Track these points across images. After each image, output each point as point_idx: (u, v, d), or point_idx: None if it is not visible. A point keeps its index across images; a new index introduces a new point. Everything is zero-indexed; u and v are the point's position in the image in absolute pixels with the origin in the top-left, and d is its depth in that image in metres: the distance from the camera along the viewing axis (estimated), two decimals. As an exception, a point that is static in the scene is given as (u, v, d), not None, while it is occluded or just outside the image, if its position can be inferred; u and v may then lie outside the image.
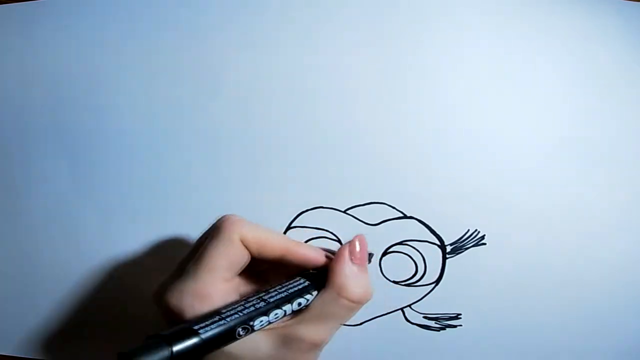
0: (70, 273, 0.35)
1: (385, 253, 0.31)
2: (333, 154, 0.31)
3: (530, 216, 0.30)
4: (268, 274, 0.27)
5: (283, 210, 0.32)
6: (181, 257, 0.27)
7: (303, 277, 0.25)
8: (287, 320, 0.24)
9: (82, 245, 0.34)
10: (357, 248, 0.25)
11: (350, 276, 0.24)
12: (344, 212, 0.32)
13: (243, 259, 0.25)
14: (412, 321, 0.32)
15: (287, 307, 0.23)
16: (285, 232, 0.32)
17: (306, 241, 0.32)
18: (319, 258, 0.26)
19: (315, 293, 0.24)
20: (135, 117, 0.33)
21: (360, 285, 0.25)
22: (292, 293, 0.24)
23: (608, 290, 0.30)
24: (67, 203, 0.34)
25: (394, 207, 0.31)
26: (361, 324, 0.32)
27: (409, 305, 0.32)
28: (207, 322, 0.21)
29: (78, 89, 0.34)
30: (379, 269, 0.32)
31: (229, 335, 0.21)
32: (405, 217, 0.31)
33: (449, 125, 0.31)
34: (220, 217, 0.26)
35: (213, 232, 0.25)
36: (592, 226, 0.30)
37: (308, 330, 0.23)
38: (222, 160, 0.32)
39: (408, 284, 0.31)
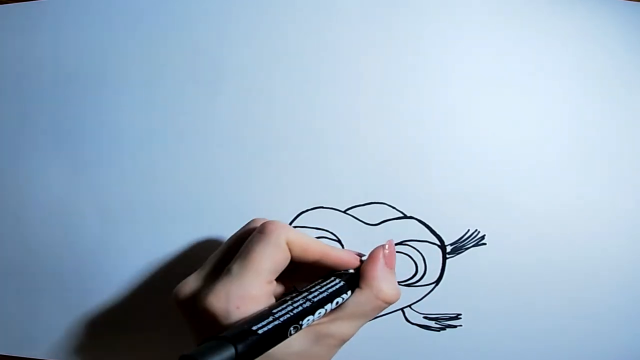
0: (70, 273, 0.35)
1: (385, 253, 0.31)
2: (333, 154, 0.31)
3: (530, 216, 0.30)
4: (290, 275, 0.28)
5: (283, 210, 0.32)
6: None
7: (337, 277, 0.26)
8: (323, 317, 0.25)
9: (82, 245, 0.34)
10: (391, 252, 0.27)
11: (385, 278, 0.26)
12: (344, 212, 0.32)
13: (286, 262, 0.25)
14: (412, 321, 0.32)
15: (328, 306, 0.24)
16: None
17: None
18: (354, 261, 0.27)
19: (349, 293, 0.26)
20: (136, 117, 0.33)
21: (393, 287, 0.26)
22: (331, 293, 0.25)
23: (608, 290, 0.30)
24: (67, 203, 0.34)
25: (394, 207, 0.31)
26: (361, 324, 0.32)
27: (409, 306, 0.32)
28: (263, 323, 0.21)
29: (78, 89, 0.34)
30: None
31: (282, 334, 0.22)
32: (405, 217, 0.31)
33: (449, 125, 0.31)
34: (253, 221, 0.28)
35: (259, 235, 0.25)
36: (592, 226, 0.30)
37: (341, 327, 0.25)
38: (222, 160, 0.32)
39: (408, 284, 0.31)
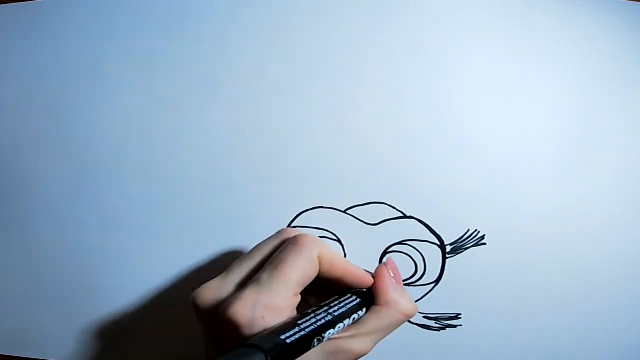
0: (70, 274, 0.35)
1: (385, 253, 0.31)
2: (333, 154, 0.31)
3: (530, 216, 0.30)
4: (314, 291, 0.28)
5: (283, 210, 0.32)
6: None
7: (353, 294, 0.27)
8: (341, 333, 0.25)
9: (82, 247, 0.34)
10: (394, 268, 0.28)
11: (401, 294, 0.27)
12: (344, 212, 0.32)
13: (314, 276, 0.25)
14: (412, 321, 0.32)
15: (347, 321, 0.25)
16: (285, 232, 0.32)
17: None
18: (369, 280, 0.27)
19: (365, 310, 0.26)
20: (136, 118, 0.33)
21: (410, 301, 0.27)
22: (350, 309, 0.25)
23: (608, 290, 0.30)
24: (68, 204, 0.34)
25: (394, 207, 0.31)
26: (361, 324, 0.32)
27: (409, 305, 0.32)
28: (291, 333, 0.21)
29: (78, 89, 0.34)
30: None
31: (307, 345, 0.22)
32: (405, 217, 0.31)
33: (449, 125, 0.31)
34: (283, 231, 0.27)
35: (293, 247, 0.25)
36: (592, 226, 0.30)
37: (359, 344, 0.25)
38: (223, 161, 0.32)
39: (408, 283, 0.32)
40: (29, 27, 0.34)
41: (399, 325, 0.26)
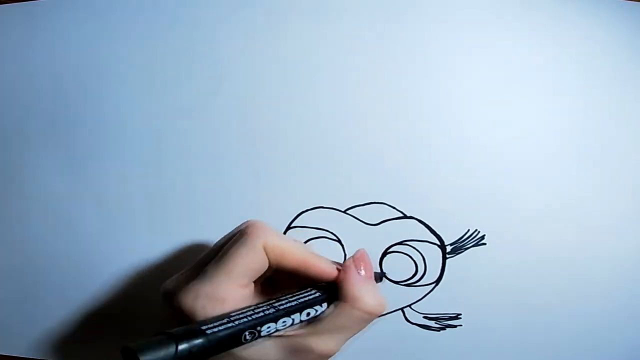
0: (70, 273, 0.35)
1: (385, 253, 0.31)
2: (333, 154, 0.31)
3: (530, 216, 0.30)
4: (285, 286, 0.27)
5: (283, 210, 0.32)
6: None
7: (315, 288, 0.25)
8: (299, 329, 0.24)
9: (82, 245, 0.34)
10: (361, 260, 0.26)
11: (362, 288, 0.25)
12: (344, 212, 0.32)
13: (262, 266, 0.25)
14: (412, 321, 0.32)
15: (296, 316, 0.23)
16: (285, 232, 0.32)
17: (306, 241, 0.32)
18: (333, 272, 0.26)
19: (325, 305, 0.25)
20: (136, 117, 0.33)
21: (374, 297, 0.25)
22: (302, 303, 0.24)
23: (608, 290, 0.30)
24: (67, 203, 0.34)
25: (394, 207, 0.31)
26: (361, 324, 0.32)
27: (409, 305, 0.32)
28: (215, 324, 0.21)
29: (78, 89, 0.34)
30: (379, 269, 0.32)
31: (236, 339, 0.21)
32: (405, 217, 0.31)
33: (450, 125, 0.31)
34: (245, 221, 0.26)
35: (237, 237, 0.25)
36: (592, 226, 0.30)
37: (319, 342, 0.24)
38: (223, 160, 0.32)
39: (408, 284, 0.31)
40: (28, 27, 0.34)
41: (365, 324, 0.25)
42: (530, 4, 0.30)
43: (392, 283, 0.32)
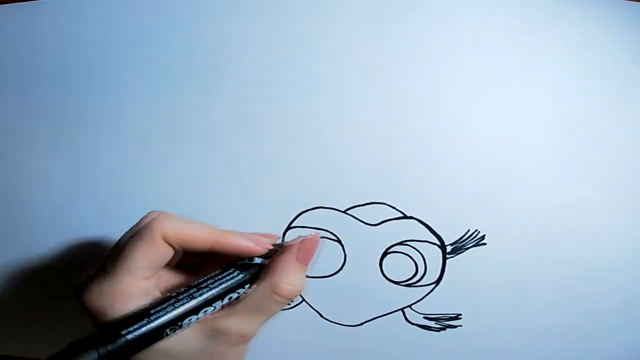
0: (70, 273, 0.35)
1: (385, 253, 0.31)
2: (333, 154, 0.31)
3: (530, 216, 0.30)
4: (199, 265, 0.27)
5: (283, 210, 0.32)
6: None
7: (238, 268, 0.24)
8: (216, 311, 0.24)
9: (82, 245, 0.34)
10: (309, 246, 0.26)
11: (289, 272, 0.24)
12: (344, 212, 0.31)
13: (165, 256, 0.24)
14: (412, 321, 0.32)
15: (218, 304, 0.23)
16: (285, 232, 0.32)
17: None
18: (255, 248, 0.25)
19: (247, 286, 0.24)
20: (136, 117, 0.33)
21: (294, 282, 0.24)
22: (224, 288, 0.23)
23: (608, 290, 0.30)
24: (67, 203, 0.34)
25: (394, 207, 0.31)
26: (361, 324, 0.32)
27: (409, 306, 0.32)
28: (135, 326, 0.21)
29: (78, 89, 0.34)
30: (379, 269, 0.31)
31: (157, 336, 0.21)
32: (405, 217, 0.31)
33: (450, 125, 0.31)
34: (150, 212, 0.26)
35: (135, 230, 0.24)
36: (592, 226, 0.30)
37: (237, 324, 0.23)
38: (223, 160, 0.32)
39: (408, 284, 0.31)
40: (29, 27, 0.34)
41: (280, 307, 0.24)
42: (530, 4, 0.30)
43: (392, 283, 0.32)
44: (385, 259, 0.31)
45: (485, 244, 0.31)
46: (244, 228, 0.32)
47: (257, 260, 0.25)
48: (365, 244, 0.31)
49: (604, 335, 0.31)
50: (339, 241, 0.32)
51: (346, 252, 0.32)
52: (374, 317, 0.32)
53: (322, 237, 0.31)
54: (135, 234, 0.24)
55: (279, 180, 0.32)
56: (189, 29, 0.33)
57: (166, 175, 0.33)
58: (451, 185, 0.30)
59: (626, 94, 0.30)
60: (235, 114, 0.32)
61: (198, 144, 0.32)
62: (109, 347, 0.19)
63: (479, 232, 0.31)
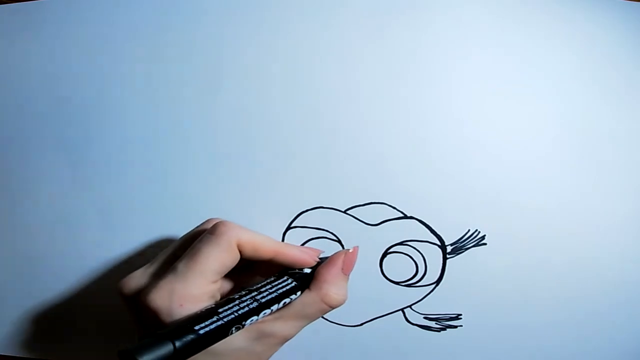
0: (70, 273, 0.34)
1: (385, 253, 0.31)
2: (333, 154, 0.31)
3: (530, 216, 0.30)
4: (242, 271, 0.28)
5: (283, 210, 0.32)
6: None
7: (290, 276, 0.26)
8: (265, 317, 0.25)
9: (82, 245, 0.34)
10: (352, 259, 0.28)
11: (335, 282, 0.26)
12: (344, 212, 0.31)
13: (234, 263, 0.26)
14: (413, 322, 0.32)
15: (275, 307, 0.24)
16: (285, 232, 0.32)
17: (306, 241, 0.32)
18: (309, 260, 0.27)
19: (299, 293, 0.26)
20: (136, 117, 0.33)
21: (341, 292, 0.27)
22: (280, 294, 0.25)
23: (608, 290, 0.30)
24: (67, 203, 0.34)
25: (394, 207, 0.31)
26: (361, 324, 0.32)
27: (410, 306, 0.32)
28: (206, 322, 0.22)
29: (78, 89, 0.34)
30: (379, 269, 0.31)
31: (223, 334, 0.22)
32: (405, 217, 0.31)
33: (450, 125, 0.31)
34: (208, 221, 0.28)
35: (209, 237, 0.25)
36: (592, 226, 0.30)
37: (283, 327, 0.25)
38: (223, 160, 0.32)
39: (408, 284, 0.31)
40: (29, 27, 0.34)
41: (323, 314, 0.26)
42: (530, 4, 0.30)
43: (392, 283, 0.32)
44: (385, 259, 0.31)
45: (485, 244, 0.31)
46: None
47: (307, 270, 0.27)
48: (365, 244, 0.31)
49: (604, 335, 0.31)
50: (339, 241, 0.32)
51: (346, 252, 0.32)
52: (374, 317, 0.32)
53: (322, 237, 0.31)
54: (209, 240, 0.25)
55: (279, 180, 0.32)
56: (191, 29, 0.33)
57: (166, 175, 0.33)
58: (451, 185, 0.30)
59: (626, 94, 0.30)
60: (235, 115, 0.32)
61: (198, 144, 0.32)
62: (184, 340, 0.20)
63: (479, 232, 0.31)
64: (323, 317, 0.32)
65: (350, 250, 0.28)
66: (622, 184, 0.30)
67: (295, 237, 0.32)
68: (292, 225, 0.32)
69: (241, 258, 0.26)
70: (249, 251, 0.26)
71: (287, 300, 0.25)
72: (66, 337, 0.35)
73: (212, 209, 0.32)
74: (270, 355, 0.26)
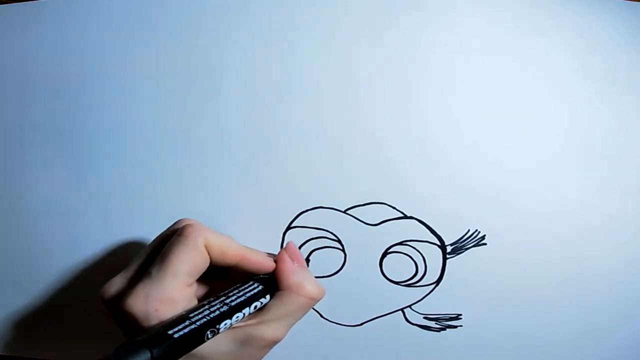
0: (70, 273, 0.35)
1: (385, 253, 0.31)
2: (333, 154, 0.31)
3: (530, 216, 0.30)
4: (216, 278, 0.28)
5: (283, 210, 0.32)
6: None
7: (255, 281, 0.27)
8: (248, 320, 0.25)
9: (82, 245, 0.34)
10: (294, 250, 0.28)
11: (301, 276, 0.27)
12: (344, 212, 0.31)
13: (205, 264, 0.26)
14: (413, 322, 0.32)
15: (246, 310, 0.25)
16: (285, 232, 0.32)
17: (306, 241, 0.32)
18: (271, 264, 0.28)
19: (268, 296, 0.26)
20: (136, 117, 0.33)
21: (314, 284, 0.27)
22: (250, 297, 0.25)
23: (608, 290, 0.30)
24: (67, 203, 0.34)
25: (394, 207, 0.31)
26: (361, 324, 0.32)
27: (409, 306, 0.32)
28: (179, 327, 0.22)
29: (78, 89, 0.34)
30: (379, 269, 0.31)
31: (199, 339, 0.22)
32: (405, 217, 0.31)
33: (450, 125, 0.31)
34: (179, 221, 0.28)
35: (178, 238, 0.25)
36: (592, 226, 0.30)
37: (269, 330, 0.25)
38: (223, 160, 0.32)
39: (408, 284, 0.31)
40: (29, 27, 0.34)
41: (307, 309, 0.27)
42: (530, 5, 0.30)
43: (392, 283, 0.32)
44: (385, 259, 0.31)
45: (485, 244, 0.31)
46: (244, 228, 0.32)
47: (265, 275, 0.28)
48: (365, 244, 0.31)
49: (604, 335, 0.31)
50: (339, 241, 0.32)
51: (346, 252, 0.32)
52: (374, 317, 0.32)
53: (321, 237, 0.32)
54: (178, 242, 0.25)
55: (279, 180, 0.32)
56: (191, 30, 0.33)
57: (166, 175, 0.33)
58: (451, 185, 0.30)
59: (627, 95, 0.30)
60: (235, 115, 0.32)
61: (198, 144, 0.32)
62: (160, 347, 0.20)
63: (479, 232, 0.31)
64: (323, 317, 0.32)
65: (285, 247, 0.28)
66: (622, 184, 0.30)
67: (295, 237, 0.32)
68: (292, 225, 0.32)
69: (211, 263, 0.26)
70: (217, 254, 0.26)
71: (257, 303, 0.25)
72: (66, 338, 0.35)
73: (212, 209, 0.32)
74: (261, 357, 0.26)
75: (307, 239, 0.32)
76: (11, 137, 0.35)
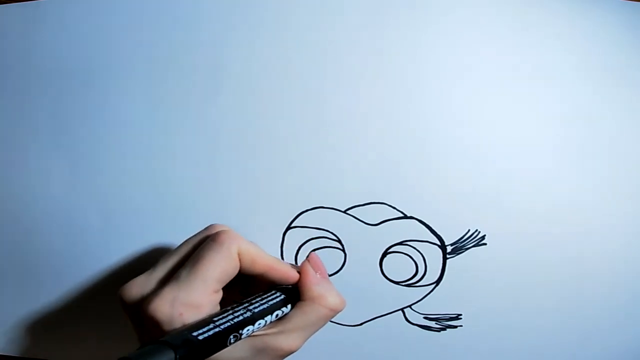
0: (70, 273, 0.35)
1: (385, 253, 0.31)
2: (333, 153, 0.31)
3: (530, 216, 0.30)
4: (237, 287, 0.28)
5: (283, 210, 0.32)
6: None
7: (278, 290, 0.27)
8: (267, 329, 0.25)
9: (82, 245, 0.34)
10: (317, 262, 0.29)
11: (323, 287, 0.27)
12: (344, 212, 0.31)
13: (235, 272, 0.26)
14: (413, 322, 0.32)
15: (268, 318, 0.25)
16: (285, 232, 0.32)
17: (306, 241, 0.32)
18: (295, 275, 0.28)
19: (290, 306, 0.26)
20: (136, 117, 0.33)
21: (335, 295, 0.27)
22: (272, 305, 0.25)
23: (608, 290, 0.30)
24: (67, 203, 0.34)
25: (394, 207, 0.31)
26: (361, 324, 0.32)
27: (410, 306, 0.32)
28: (204, 329, 0.22)
29: (78, 89, 0.34)
30: (379, 269, 0.31)
31: (222, 343, 0.22)
32: (405, 217, 0.31)
33: (450, 125, 0.31)
34: (211, 227, 0.28)
35: (211, 244, 0.25)
36: (591, 226, 0.30)
37: (288, 340, 0.25)
38: (223, 160, 0.32)
39: (408, 284, 0.31)
40: (29, 27, 0.34)
41: (327, 320, 0.27)
42: (530, 5, 0.30)
43: (392, 283, 0.32)
44: (385, 259, 0.31)
45: (485, 244, 0.31)
46: (244, 228, 0.32)
47: (287, 286, 0.28)
48: (365, 244, 0.31)
49: (604, 335, 0.31)
50: (339, 241, 0.32)
51: (346, 252, 0.32)
52: (374, 317, 0.32)
53: (322, 237, 0.31)
54: (211, 247, 0.25)
55: (279, 180, 0.32)
56: (191, 29, 0.33)
57: (166, 175, 0.33)
58: (451, 185, 0.30)
59: (626, 95, 0.30)
60: (235, 115, 0.32)
61: (198, 144, 0.32)
62: (184, 348, 0.20)
63: (479, 232, 0.31)
64: (323, 317, 0.32)
65: (308, 258, 0.29)
66: (622, 184, 0.30)
67: (295, 237, 0.32)
68: (292, 225, 0.32)
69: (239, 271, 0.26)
70: (247, 262, 0.26)
71: (279, 312, 0.25)
72: (65, 338, 0.35)
73: (212, 209, 0.32)
74: None
75: (307, 239, 0.32)
76: (11, 137, 0.35)
